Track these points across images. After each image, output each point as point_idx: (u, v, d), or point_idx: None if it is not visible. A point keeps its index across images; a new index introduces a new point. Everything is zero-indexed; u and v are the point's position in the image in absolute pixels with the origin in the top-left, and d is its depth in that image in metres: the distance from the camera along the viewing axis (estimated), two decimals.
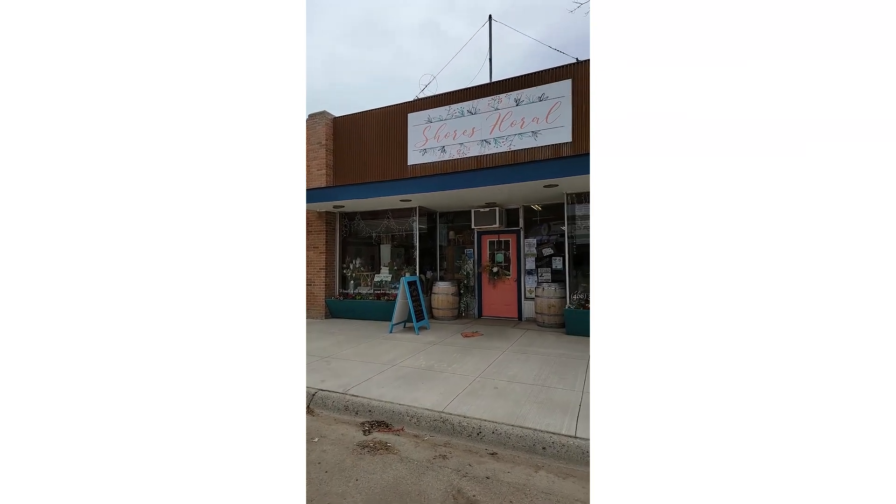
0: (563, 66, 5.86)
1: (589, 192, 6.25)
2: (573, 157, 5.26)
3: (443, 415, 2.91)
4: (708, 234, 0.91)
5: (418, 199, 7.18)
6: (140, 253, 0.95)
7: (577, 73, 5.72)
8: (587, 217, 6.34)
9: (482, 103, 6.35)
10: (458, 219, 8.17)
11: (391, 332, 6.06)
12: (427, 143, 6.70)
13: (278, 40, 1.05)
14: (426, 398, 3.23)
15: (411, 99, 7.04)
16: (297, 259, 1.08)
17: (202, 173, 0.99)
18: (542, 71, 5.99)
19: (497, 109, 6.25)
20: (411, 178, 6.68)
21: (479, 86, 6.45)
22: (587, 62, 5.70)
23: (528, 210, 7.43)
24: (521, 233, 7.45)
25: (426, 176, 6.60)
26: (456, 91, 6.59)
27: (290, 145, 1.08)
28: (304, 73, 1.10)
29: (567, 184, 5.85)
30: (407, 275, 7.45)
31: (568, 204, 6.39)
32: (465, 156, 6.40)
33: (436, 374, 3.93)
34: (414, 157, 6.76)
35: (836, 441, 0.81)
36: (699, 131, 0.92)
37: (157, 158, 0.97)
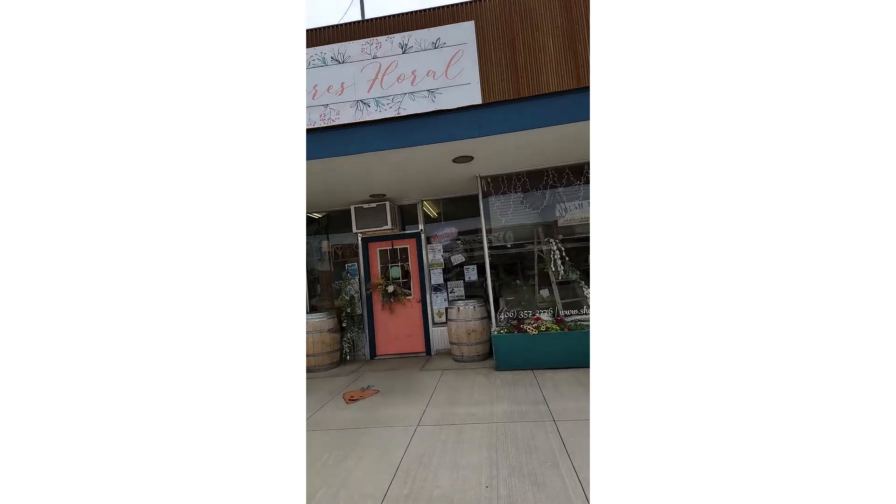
0: (463, 3, 4.28)
1: (512, 175, 4.76)
2: (496, 103, 3.61)
3: None
4: (712, 233, 0.89)
5: None
6: (140, 252, 0.95)
7: (482, 13, 4.21)
8: (508, 209, 4.81)
9: (353, 48, 4.34)
10: (333, 224, 5.87)
11: None
12: None
13: (277, 36, 1.03)
14: None
15: None
16: (297, 253, 1.06)
17: (204, 169, 0.98)
18: (435, 8, 4.31)
19: (376, 58, 4.31)
20: None
21: (348, 23, 4.43)
22: None
23: (427, 214, 5.61)
24: (422, 237, 5.57)
25: None
26: (314, 29, 4.43)
27: (291, 134, 1.05)
28: (303, 68, 1.09)
29: (484, 160, 4.21)
30: None
31: (483, 195, 4.78)
32: (331, 123, 4.25)
33: None
34: None
35: (835, 441, 0.82)
36: (702, 128, 0.91)
37: (159, 158, 0.96)
